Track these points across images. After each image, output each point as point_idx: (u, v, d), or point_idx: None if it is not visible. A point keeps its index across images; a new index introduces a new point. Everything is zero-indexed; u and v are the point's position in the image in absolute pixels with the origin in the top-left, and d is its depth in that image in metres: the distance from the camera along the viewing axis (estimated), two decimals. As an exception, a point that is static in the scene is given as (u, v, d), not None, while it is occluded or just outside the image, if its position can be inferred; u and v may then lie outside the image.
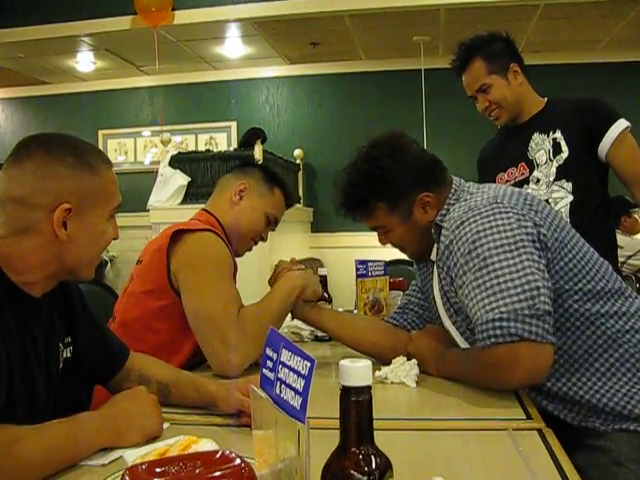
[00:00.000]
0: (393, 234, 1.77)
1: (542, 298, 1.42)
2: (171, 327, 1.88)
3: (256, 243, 2.19)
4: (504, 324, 1.39)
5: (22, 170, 1.22)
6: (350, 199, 1.76)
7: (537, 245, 1.51)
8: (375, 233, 1.84)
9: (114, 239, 1.35)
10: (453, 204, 1.68)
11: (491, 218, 1.52)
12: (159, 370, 1.53)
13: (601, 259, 1.67)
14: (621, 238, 3.81)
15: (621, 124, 2.34)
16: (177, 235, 1.90)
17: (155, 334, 1.88)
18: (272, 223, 2.17)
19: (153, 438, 1.22)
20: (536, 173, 2.43)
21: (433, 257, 1.74)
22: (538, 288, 1.43)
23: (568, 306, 1.54)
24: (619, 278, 1.67)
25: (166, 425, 1.30)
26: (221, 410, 1.39)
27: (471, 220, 1.55)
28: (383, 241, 1.83)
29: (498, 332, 1.40)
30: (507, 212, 1.53)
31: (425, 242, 1.74)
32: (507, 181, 2.50)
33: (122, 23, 5.09)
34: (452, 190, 1.73)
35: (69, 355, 1.37)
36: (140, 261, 2.04)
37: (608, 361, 1.53)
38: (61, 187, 1.21)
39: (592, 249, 1.68)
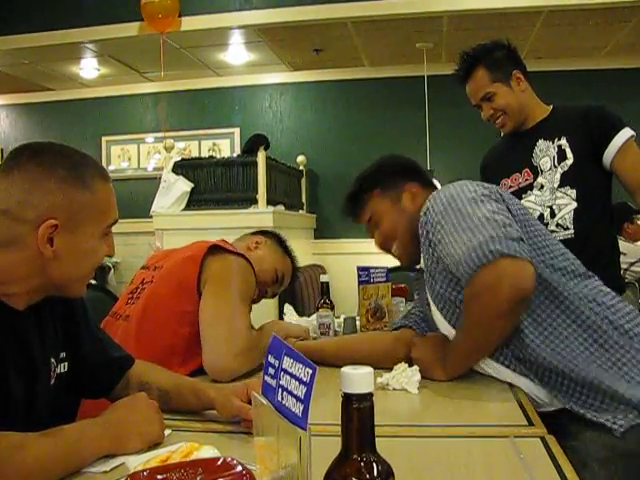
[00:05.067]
0: (384, 223, 1.94)
1: (514, 227, 1.56)
2: (192, 332, 1.89)
3: (259, 299, 2.28)
4: (483, 247, 1.49)
5: (10, 181, 1.18)
6: (350, 192, 2.01)
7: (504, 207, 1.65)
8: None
9: (108, 256, 1.31)
10: None
11: (462, 186, 1.70)
12: (159, 377, 1.52)
13: (566, 249, 1.75)
14: (624, 245, 3.81)
15: (626, 132, 2.34)
16: (216, 249, 2.00)
17: (175, 337, 1.91)
18: (279, 281, 2.31)
19: (155, 445, 1.22)
20: (540, 179, 2.43)
21: (422, 264, 1.80)
22: (510, 224, 1.56)
23: None
24: (585, 269, 1.72)
25: (168, 432, 1.30)
26: (220, 416, 1.39)
27: (445, 190, 1.71)
28: (377, 239, 1.99)
29: (480, 253, 1.48)
30: (475, 185, 1.71)
31: (413, 238, 1.81)
32: (511, 187, 2.50)
33: (129, 30, 5.10)
34: None
35: (64, 370, 1.34)
36: (157, 267, 2.08)
37: (570, 326, 1.58)
38: (49, 202, 1.18)
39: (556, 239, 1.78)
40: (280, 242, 2.36)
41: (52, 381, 1.30)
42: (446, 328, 1.76)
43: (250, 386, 1.36)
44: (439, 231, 1.64)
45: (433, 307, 1.80)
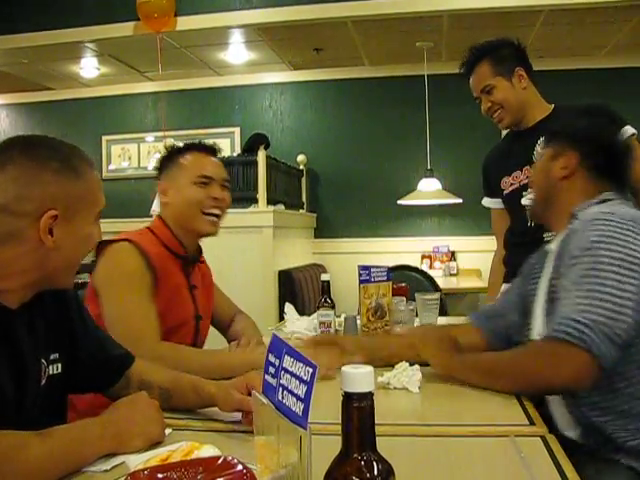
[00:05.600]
0: (538, 178, 1.84)
1: (626, 326, 1.42)
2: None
3: (219, 213, 2.11)
4: (582, 328, 1.40)
5: (5, 176, 1.20)
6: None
7: None
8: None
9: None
10: (597, 204, 1.67)
11: (624, 231, 1.51)
12: (159, 375, 1.52)
13: None
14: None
15: (627, 131, 2.33)
16: (100, 247, 1.92)
17: None
18: (211, 181, 2.09)
19: (155, 444, 1.22)
20: None
21: (553, 246, 1.75)
22: (630, 315, 1.42)
23: None
24: None
25: (168, 431, 1.30)
26: (222, 411, 1.39)
27: (604, 221, 1.54)
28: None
29: (573, 331, 1.41)
30: None
31: (548, 195, 1.77)
32: (512, 184, 2.50)
33: (125, 29, 5.10)
34: (608, 194, 1.70)
35: (57, 372, 1.34)
36: None
37: None
38: (46, 193, 1.20)
39: None
40: (167, 159, 2.15)
41: (43, 382, 1.29)
42: (540, 325, 1.70)
43: (249, 379, 1.38)
44: (569, 267, 1.53)
45: (540, 298, 1.73)
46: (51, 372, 1.32)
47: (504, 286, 2.60)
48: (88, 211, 1.28)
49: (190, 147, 2.13)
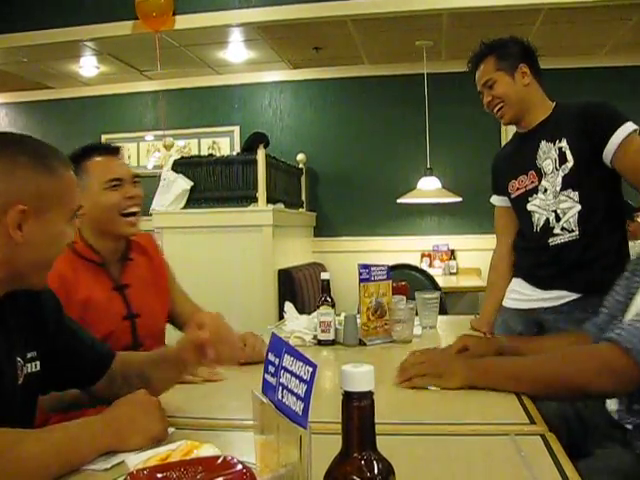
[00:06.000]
0: None
1: None
2: None
3: (137, 210, 2.10)
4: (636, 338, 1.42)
5: None
6: None
7: None
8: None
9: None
10: None
11: None
12: (134, 362, 1.53)
13: None
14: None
15: (627, 127, 2.29)
16: None
17: None
18: (122, 182, 2.07)
19: (158, 441, 1.22)
20: (544, 182, 2.41)
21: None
22: None
23: None
24: None
25: (171, 430, 1.30)
26: (194, 363, 1.46)
27: None
28: None
29: (636, 341, 1.42)
30: None
31: None
32: (518, 189, 2.50)
33: (123, 28, 5.10)
34: None
35: (35, 370, 1.33)
36: None
37: None
38: (15, 188, 1.19)
39: None
40: (77, 168, 2.02)
41: (20, 380, 1.28)
42: None
43: (197, 316, 1.46)
44: None
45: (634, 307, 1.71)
46: (29, 370, 1.31)
47: (514, 281, 2.59)
48: (61, 209, 1.27)
49: (90, 152, 2.07)
